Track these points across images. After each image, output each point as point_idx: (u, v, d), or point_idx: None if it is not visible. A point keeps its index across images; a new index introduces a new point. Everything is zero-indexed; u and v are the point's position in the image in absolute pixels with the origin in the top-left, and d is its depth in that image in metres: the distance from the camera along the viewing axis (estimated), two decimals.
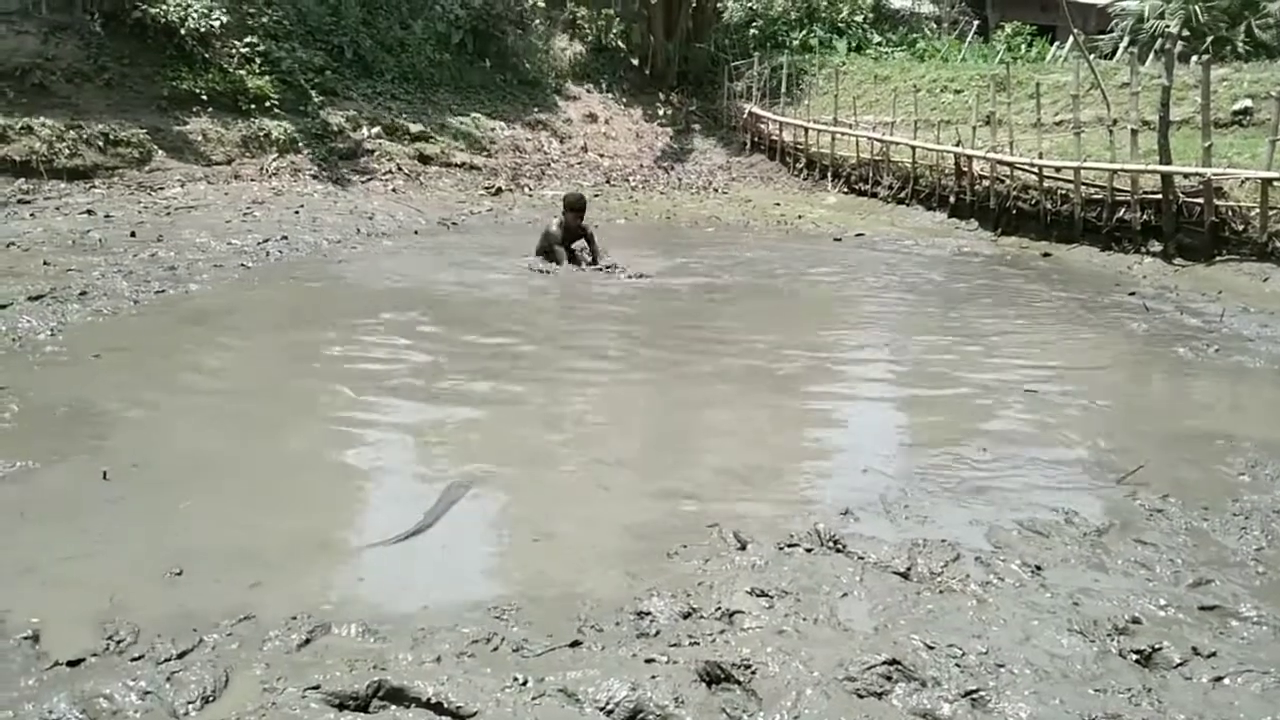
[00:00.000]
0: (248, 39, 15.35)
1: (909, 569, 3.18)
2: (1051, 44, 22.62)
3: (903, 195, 13.98)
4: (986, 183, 12.15)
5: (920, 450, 4.50)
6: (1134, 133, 9.94)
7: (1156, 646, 2.70)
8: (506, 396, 5.20)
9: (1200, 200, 9.35)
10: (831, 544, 3.33)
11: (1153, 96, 10.27)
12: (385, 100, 16.64)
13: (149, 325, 6.39)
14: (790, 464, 4.35)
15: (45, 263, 7.94)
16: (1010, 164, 11.61)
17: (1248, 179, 9.04)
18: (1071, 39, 15.13)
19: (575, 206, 8.97)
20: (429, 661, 2.55)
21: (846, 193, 15.32)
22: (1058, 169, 10.92)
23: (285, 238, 9.93)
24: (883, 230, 12.45)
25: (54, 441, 4.16)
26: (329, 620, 2.76)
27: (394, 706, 2.38)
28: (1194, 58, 11.90)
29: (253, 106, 14.69)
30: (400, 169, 15.25)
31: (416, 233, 11.11)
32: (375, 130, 15.72)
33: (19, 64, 12.98)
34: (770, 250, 10.85)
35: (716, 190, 16.44)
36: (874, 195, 14.61)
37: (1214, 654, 2.68)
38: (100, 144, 12.83)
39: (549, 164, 17.26)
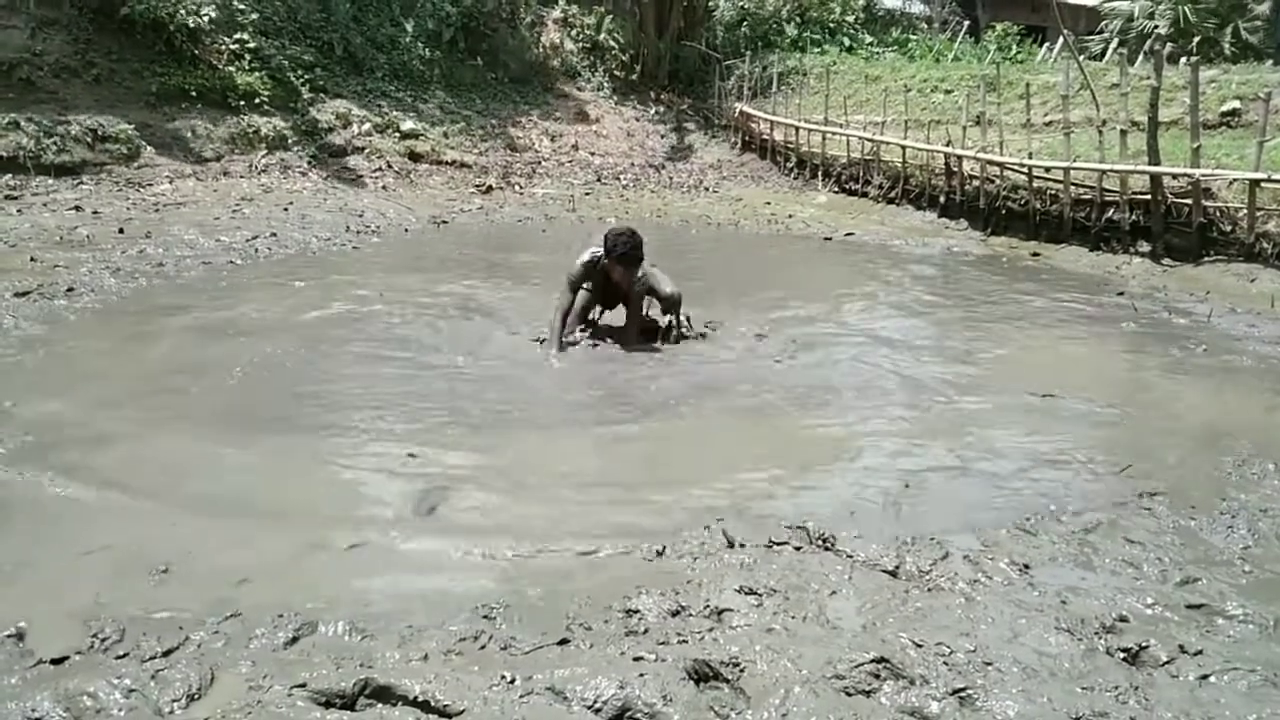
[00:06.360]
0: (237, 35, 15.29)
1: (897, 567, 3.18)
2: (1042, 44, 22.70)
3: (893, 195, 13.99)
4: (976, 183, 12.17)
5: (908, 448, 4.50)
6: (1123, 133, 9.98)
7: (1144, 645, 2.71)
8: (494, 400, 5.18)
9: (1189, 201, 9.39)
10: (820, 542, 3.33)
11: (1142, 97, 10.31)
12: (376, 97, 16.60)
13: (136, 322, 6.35)
14: (779, 463, 4.34)
15: (32, 259, 7.90)
16: (1000, 164, 11.64)
17: (1235, 180, 9.08)
18: (1062, 39, 15.16)
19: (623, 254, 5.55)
20: (416, 659, 2.54)
21: (837, 192, 15.32)
22: (1047, 169, 10.94)
23: (274, 235, 9.90)
24: (873, 230, 12.46)
25: (39, 438, 4.13)
26: (316, 618, 2.74)
27: (381, 705, 2.37)
28: (1183, 59, 11.94)
29: (242, 103, 14.63)
30: (390, 166, 15.20)
31: (406, 231, 11.07)
32: (366, 127, 15.68)
33: (5, 59, 12.87)
34: (760, 248, 10.85)
35: (707, 189, 16.43)
36: (864, 195, 14.63)
37: (1201, 652, 2.68)
38: (88, 140, 12.74)
39: (540, 162, 17.22)
